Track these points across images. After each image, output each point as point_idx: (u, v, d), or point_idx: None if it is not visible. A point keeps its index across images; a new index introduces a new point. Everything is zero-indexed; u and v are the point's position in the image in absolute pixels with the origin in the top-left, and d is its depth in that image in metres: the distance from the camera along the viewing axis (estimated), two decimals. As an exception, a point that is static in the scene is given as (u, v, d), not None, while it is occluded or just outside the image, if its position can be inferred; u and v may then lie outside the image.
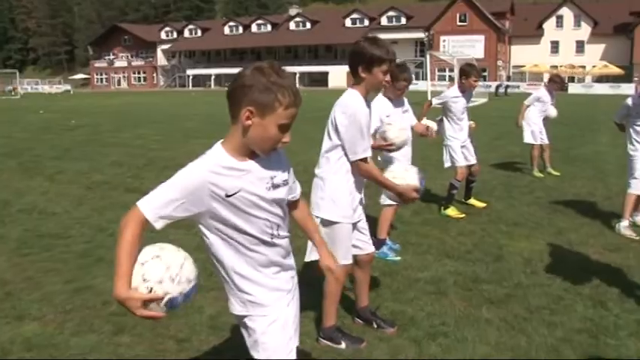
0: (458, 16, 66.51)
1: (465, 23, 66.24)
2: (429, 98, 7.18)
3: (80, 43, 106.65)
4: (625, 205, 5.99)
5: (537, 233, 5.92)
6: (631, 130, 5.99)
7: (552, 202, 7.33)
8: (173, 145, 13.44)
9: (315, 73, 72.60)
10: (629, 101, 6.00)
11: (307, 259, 3.41)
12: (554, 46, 67.36)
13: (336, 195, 3.27)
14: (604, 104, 30.43)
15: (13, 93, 58.36)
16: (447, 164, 6.79)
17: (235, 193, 1.93)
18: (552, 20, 68.05)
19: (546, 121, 9.60)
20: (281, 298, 2.10)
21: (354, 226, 3.40)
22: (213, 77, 79.20)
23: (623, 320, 3.78)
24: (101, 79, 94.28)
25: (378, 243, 5.04)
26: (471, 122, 6.96)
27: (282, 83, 1.90)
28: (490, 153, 11.33)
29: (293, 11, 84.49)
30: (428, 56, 34.17)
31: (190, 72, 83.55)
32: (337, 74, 67.05)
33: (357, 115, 3.15)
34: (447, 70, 53.17)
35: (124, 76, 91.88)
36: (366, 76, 3.19)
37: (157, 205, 1.90)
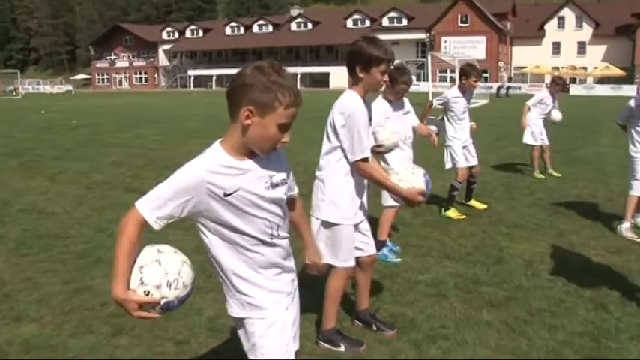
0: (459, 17, 66.47)
1: (466, 24, 66.20)
2: (430, 99, 7.17)
3: (82, 43, 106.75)
4: (626, 206, 5.96)
5: (538, 235, 5.89)
6: (633, 132, 5.96)
7: (553, 203, 7.31)
8: (173, 145, 13.43)
9: (317, 73, 72.62)
10: (632, 103, 5.97)
11: (308, 260, 3.38)
12: (556, 48, 67.30)
13: (336, 197, 3.25)
14: (605, 105, 30.40)
15: (14, 93, 58.39)
16: (448, 165, 6.77)
17: (233, 192, 1.91)
18: (554, 21, 68.01)
19: (546, 122, 9.58)
20: (280, 300, 2.08)
21: (356, 227, 3.38)
22: (214, 78, 79.23)
23: (625, 323, 3.75)
24: (102, 79, 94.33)
25: (379, 244, 5.00)
26: (472, 123, 6.94)
27: (283, 83, 1.89)
28: (491, 154, 11.31)
29: (294, 12, 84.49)
30: (429, 57, 34.11)
31: (192, 72, 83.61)
32: (338, 75, 67.03)
33: (356, 115, 3.13)
34: (448, 71, 53.11)
35: (125, 77, 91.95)
36: (364, 76, 3.17)
37: (155, 206, 1.89)
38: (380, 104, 4.93)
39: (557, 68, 57.18)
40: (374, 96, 4.33)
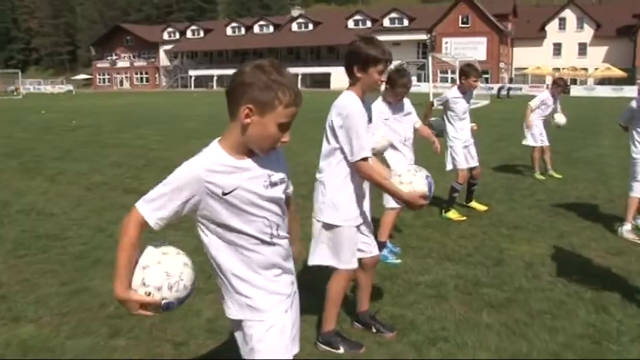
0: (460, 17, 66.46)
1: (467, 25, 66.17)
2: (431, 99, 7.16)
3: (83, 44, 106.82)
4: (627, 208, 5.94)
5: (539, 236, 5.87)
6: (634, 133, 5.94)
7: (554, 204, 7.29)
8: (174, 145, 13.42)
9: (317, 74, 72.62)
10: (634, 104, 5.95)
11: (310, 262, 3.38)
12: (557, 49, 67.25)
13: (337, 199, 3.24)
14: (606, 107, 30.38)
15: (15, 93, 58.43)
16: (449, 167, 6.75)
17: (232, 191, 1.90)
18: (555, 22, 67.98)
19: (547, 123, 9.56)
20: (280, 302, 2.05)
21: (358, 228, 3.36)
22: (215, 78, 79.22)
23: (626, 326, 3.73)
24: (103, 79, 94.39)
25: (379, 246, 4.96)
26: (473, 124, 6.92)
27: (283, 81, 1.87)
28: (492, 155, 11.29)
29: (295, 12, 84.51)
30: (430, 58, 34.08)
31: (192, 73, 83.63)
32: (339, 75, 66.87)
33: (353, 115, 3.11)
34: (449, 71, 53.06)
35: (126, 77, 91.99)
36: (361, 76, 3.15)
37: (155, 207, 1.89)
38: (378, 106, 4.93)
39: (558, 69, 57.20)
40: (374, 97, 4.32)
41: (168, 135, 16.08)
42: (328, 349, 3.42)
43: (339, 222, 3.25)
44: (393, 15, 73.49)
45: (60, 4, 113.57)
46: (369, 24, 74.35)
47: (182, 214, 1.92)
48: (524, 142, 9.68)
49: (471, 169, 6.84)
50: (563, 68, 59.05)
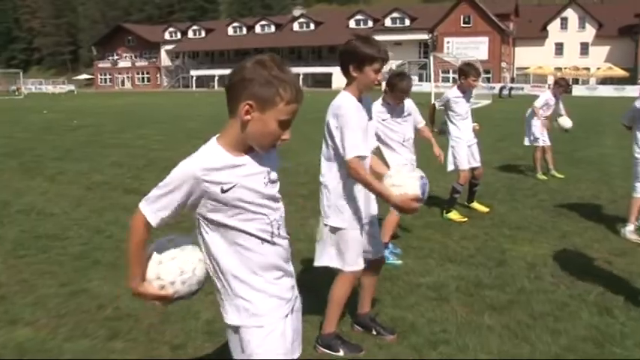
0: (462, 17, 66.37)
1: (469, 25, 66.09)
2: (432, 101, 7.13)
3: (84, 44, 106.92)
4: (630, 209, 5.89)
5: (541, 237, 5.83)
6: (638, 133, 5.89)
7: (556, 205, 7.24)
8: (174, 145, 13.39)
9: (319, 74, 72.53)
10: (637, 103, 5.90)
11: (317, 263, 3.37)
12: (559, 48, 67.15)
13: (340, 202, 3.21)
14: (609, 106, 30.32)
15: (16, 93, 58.47)
16: (451, 167, 6.70)
17: (231, 188, 1.87)
18: (557, 22, 67.87)
19: (547, 122, 9.50)
20: (279, 307, 2.00)
21: (364, 230, 3.32)
22: (216, 78, 79.19)
23: (630, 328, 3.68)
24: (105, 79, 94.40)
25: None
26: (475, 124, 6.88)
27: (284, 77, 1.84)
28: (493, 155, 11.24)
29: (297, 12, 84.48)
30: (432, 58, 34.00)
31: (194, 72, 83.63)
32: (341, 75, 65.23)
33: (348, 114, 3.07)
34: (450, 71, 53.07)
35: (127, 77, 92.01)
36: (357, 75, 3.12)
37: (156, 208, 1.89)
38: (377, 106, 4.92)
39: (559, 69, 57.15)
40: (374, 97, 4.28)
41: (169, 135, 16.06)
42: (328, 352, 3.38)
43: (344, 224, 3.22)
44: (395, 15, 73.41)
45: (62, 4, 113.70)
46: (370, 24, 74.28)
47: (184, 211, 1.92)
48: (526, 143, 9.64)
49: (472, 170, 6.79)
50: (565, 68, 58.99)
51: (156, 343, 3.50)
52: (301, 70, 66.72)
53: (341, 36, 72.27)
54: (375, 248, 3.45)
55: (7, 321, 3.80)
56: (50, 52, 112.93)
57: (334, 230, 3.25)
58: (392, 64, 58.05)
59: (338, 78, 68.46)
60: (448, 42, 65.35)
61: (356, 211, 3.24)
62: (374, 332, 3.59)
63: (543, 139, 9.35)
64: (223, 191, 1.87)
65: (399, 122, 5.18)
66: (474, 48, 60.07)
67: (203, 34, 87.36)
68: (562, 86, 9.54)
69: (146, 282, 1.95)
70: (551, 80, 44.84)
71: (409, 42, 69.36)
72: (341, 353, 3.36)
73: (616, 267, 4.91)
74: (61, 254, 5.24)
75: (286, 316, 2.03)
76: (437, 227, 6.22)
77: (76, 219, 6.53)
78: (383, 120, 5.11)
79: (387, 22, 73.50)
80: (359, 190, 3.22)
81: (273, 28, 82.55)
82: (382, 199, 3.03)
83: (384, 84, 5.23)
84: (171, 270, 1.95)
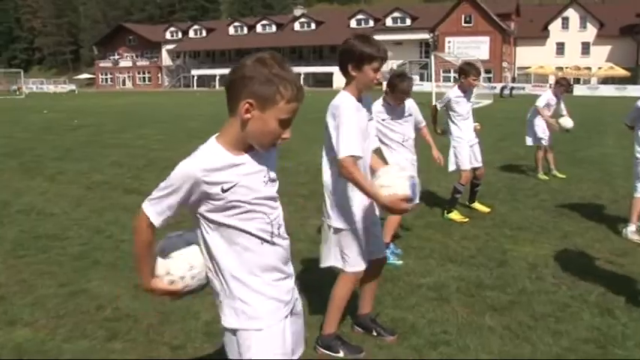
0: (463, 17, 66.30)
1: (470, 24, 66.02)
2: (433, 101, 7.11)
3: (85, 43, 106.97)
4: (631, 209, 5.87)
5: (542, 237, 5.80)
6: (639, 133, 5.86)
7: (557, 205, 7.21)
8: (175, 145, 13.36)
9: (320, 73, 72.49)
10: (639, 103, 5.87)
11: (322, 264, 3.36)
12: (560, 48, 67.05)
13: (341, 202, 3.20)
14: (610, 106, 30.28)
15: (17, 92, 58.49)
16: (452, 167, 6.67)
17: (231, 187, 1.86)
18: (558, 22, 67.77)
19: (548, 123, 9.47)
20: (278, 310, 1.98)
21: (367, 230, 3.31)
22: (217, 77, 79.13)
23: (631, 329, 3.66)
24: (106, 78, 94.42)
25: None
26: (476, 124, 6.86)
27: (285, 76, 1.82)
28: (495, 155, 11.21)
29: (298, 12, 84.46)
30: (433, 57, 33.95)
31: (195, 72, 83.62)
32: (342, 75, 66.88)
33: (345, 113, 3.04)
34: (451, 71, 53.01)
35: (128, 76, 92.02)
36: (356, 74, 3.09)
37: (159, 210, 1.89)
38: (377, 106, 4.90)
39: (561, 69, 57.08)
40: (375, 97, 4.27)
41: (169, 135, 16.04)
42: (328, 352, 3.36)
43: (346, 225, 3.21)
44: (396, 14, 73.35)
45: (63, 4, 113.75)
46: (371, 23, 74.21)
47: (182, 211, 1.93)
48: (528, 143, 9.61)
49: (474, 170, 6.77)
50: (566, 67, 58.91)
51: (155, 344, 3.48)
52: (302, 69, 66.69)
53: (342, 36, 71.45)
54: (377, 248, 3.43)
55: (6, 321, 3.79)
56: (51, 51, 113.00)
57: (336, 231, 3.24)
58: (393, 64, 58.02)
59: (339, 78, 68.11)
60: (449, 42, 65.28)
61: (358, 212, 3.22)
62: (374, 333, 3.57)
63: (546, 139, 9.32)
64: (224, 191, 1.85)
65: (399, 122, 5.17)
66: (475, 48, 59.97)
67: (204, 33, 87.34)
68: (563, 86, 9.51)
69: (156, 279, 1.99)
70: (552, 80, 44.79)
71: (410, 42, 69.30)
72: (341, 354, 3.34)
73: (617, 267, 4.89)
74: (60, 254, 5.22)
75: (285, 318, 2.00)
76: (438, 227, 6.20)
77: (75, 219, 6.51)
78: (382, 120, 5.09)
79: (388, 22, 73.44)
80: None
81: (274, 28, 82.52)
82: (373, 200, 3.00)
83: (384, 84, 5.22)
84: (180, 265, 1.98)
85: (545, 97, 9.38)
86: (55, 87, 77.45)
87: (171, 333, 3.61)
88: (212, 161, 1.85)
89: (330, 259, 3.31)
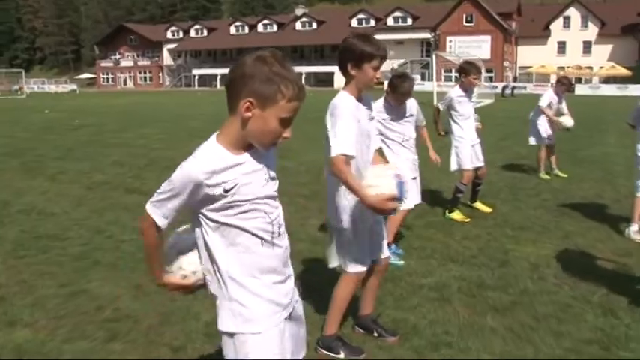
0: (464, 16, 66.23)
1: (471, 24, 65.96)
2: (435, 103, 7.08)
3: (87, 43, 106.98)
4: (633, 209, 5.84)
5: (544, 237, 5.78)
6: (641, 132, 5.84)
7: (559, 205, 7.19)
8: (176, 144, 13.35)
9: (321, 73, 72.47)
10: (641, 102, 5.85)
11: (330, 265, 3.36)
12: (561, 47, 66.97)
13: (343, 202, 3.18)
14: (612, 105, 30.23)
15: (19, 92, 58.55)
16: (454, 167, 6.64)
17: (233, 188, 1.84)
18: (559, 21, 67.67)
19: (551, 122, 9.44)
20: (276, 313, 1.96)
21: (370, 230, 3.29)
22: (219, 77, 79.10)
23: (635, 330, 3.64)
24: (107, 78, 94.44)
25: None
26: (478, 123, 6.84)
27: (286, 74, 1.81)
28: (496, 154, 11.18)
29: (299, 11, 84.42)
30: (434, 57, 33.98)
31: (196, 72, 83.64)
32: (341, 74, 66.81)
33: (342, 113, 3.02)
34: (453, 70, 52.84)
35: (130, 76, 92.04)
36: (356, 73, 3.07)
37: (164, 212, 1.90)
38: (377, 106, 4.88)
39: (562, 68, 56.94)
40: (376, 97, 4.24)
41: (171, 134, 16.03)
42: (328, 353, 3.35)
43: (348, 225, 3.19)
44: (397, 14, 73.29)
45: (64, 4, 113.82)
46: (372, 23, 74.17)
47: (185, 211, 1.94)
48: (530, 142, 9.57)
49: (476, 169, 6.74)
50: (568, 67, 58.80)
51: (155, 345, 3.47)
52: (303, 69, 66.73)
53: (343, 35, 69.72)
54: (380, 248, 3.41)
55: (5, 322, 3.77)
56: (53, 51, 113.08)
57: (338, 231, 3.23)
58: (394, 64, 57.97)
59: (340, 77, 67.08)
60: (450, 41, 65.24)
61: (361, 212, 3.18)
62: (375, 334, 3.56)
63: (549, 139, 9.29)
64: (225, 191, 1.84)
65: (399, 123, 5.14)
66: (476, 47, 59.91)
67: (205, 33, 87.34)
68: (564, 84, 9.47)
69: (169, 274, 2.03)
70: (553, 79, 44.71)
71: (411, 41, 69.26)
72: (342, 355, 3.33)
73: (620, 267, 4.87)
74: (61, 254, 5.21)
75: (285, 319, 1.99)
76: (439, 227, 6.18)
77: (76, 219, 6.50)
78: (383, 120, 5.06)
79: (390, 21, 73.39)
80: None
81: (275, 28, 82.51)
82: (360, 199, 2.95)
83: (386, 83, 5.19)
84: (192, 260, 2.02)
85: (547, 96, 9.34)
86: (56, 87, 77.49)
87: (171, 334, 3.60)
88: (214, 163, 1.83)
89: (334, 259, 3.30)
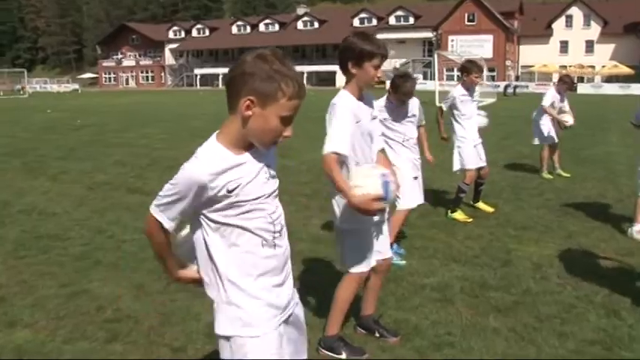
0: (466, 15, 66.18)
1: (473, 23, 65.90)
2: (437, 101, 7.05)
3: (89, 43, 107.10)
4: (636, 208, 5.81)
5: (547, 237, 5.75)
6: (645, 131, 5.82)
7: (562, 204, 7.16)
8: (178, 144, 13.34)
9: (323, 72, 72.42)
10: (643, 102, 5.82)
11: (340, 267, 3.36)
12: (564, 46, 66.88)
13: (344, 202, 3.14)
14: (614, 104, 30.17)
15: (21, 92, 58.64)
16: (456, 167, 6.61)
17: (236, 188, 1.83)
18: (562, 20, 67.58)
19: (554, 121, 9.41)
20: (275, 316, 1.93)
21: (373, 230, 3.27)
22: (220, 76, 79.06)
23: (638, 331, 3.61)
24: (109, 78, 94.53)
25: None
26: (486, 119, 6.80)
27: (286, 72, 1.79)
28: (499, 153, 11.14)
29: (301, 10, 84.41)
30: (436, 56, 33.96)
31: (198, 71, 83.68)
32: (342, 73, 66.78)
33: (339, 112, 3.01)
34: (455, 69, 52.82)
35: (131, 76, 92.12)
36: (356, 72, 3.06)
37: (170, 215, 1.90)
38: (379, 105, 4.85)
39: (564, 67, 56.84)
40: (378, 96, 4.22)
41: (173, 134, 16.03)
42: (330, 354, 3.33)
43: (351, 225, 3.17)
44: (399, 13, 73.22)
45: (66, 4, 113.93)
46: (374, 22, 74.13)
47: (189, 212, 1.92)
48: (534, 142, 9.53)
49: (479, 169, 6.71)
50: (570, 66, 58.70)
51: (156, 346, 3.45)
52: (305, 68, 66.70)
53: (345, 34, 69.67)
54: (383, 248, 3.39)
55: (6, 323, 3.76)
56: (55, 51, 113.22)
57: (342, 231, 3.21)
58: (396, 63, 57.95)
59: (342, 76, 67.79)
60: (452, 40, 65.19)
61: (356, 212, 3.17)
62: (377, 335, 3.54)
63: (552, 138, 9.25)
64: (229, 191, 1.82)
65: (402, 123, 5.11)
66: (478, 46, 59.86)
67: (207, 32, 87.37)
68: (566, 83, 9.42)
69: (186, 270, 2.04)
70: (556, 78, 44.68)
71: (413, 40, 69.22)
72: (343, 356, 3.31)
73: (623, 267, 4.84)
74: (61, 255, 5.20)
75: (284, 323, 1.97)
76: (441, 227, 6.15)
77: (77, 219, 6.49)
78: (383, 119, 5.03)
79: (391, 21, 73.33)
80: None
81: (277, 27, 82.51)
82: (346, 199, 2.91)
83: (388, 82, 5.16)
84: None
85: (550, 95, 9.31)
86: (58, 86, 77.65)
87: (172, 334, 3.58)
88: (217, 165, 1.81)
89: (340, 260, 3.31)
